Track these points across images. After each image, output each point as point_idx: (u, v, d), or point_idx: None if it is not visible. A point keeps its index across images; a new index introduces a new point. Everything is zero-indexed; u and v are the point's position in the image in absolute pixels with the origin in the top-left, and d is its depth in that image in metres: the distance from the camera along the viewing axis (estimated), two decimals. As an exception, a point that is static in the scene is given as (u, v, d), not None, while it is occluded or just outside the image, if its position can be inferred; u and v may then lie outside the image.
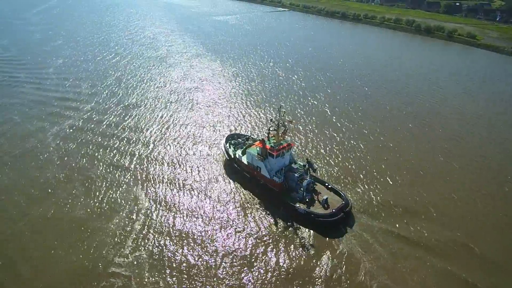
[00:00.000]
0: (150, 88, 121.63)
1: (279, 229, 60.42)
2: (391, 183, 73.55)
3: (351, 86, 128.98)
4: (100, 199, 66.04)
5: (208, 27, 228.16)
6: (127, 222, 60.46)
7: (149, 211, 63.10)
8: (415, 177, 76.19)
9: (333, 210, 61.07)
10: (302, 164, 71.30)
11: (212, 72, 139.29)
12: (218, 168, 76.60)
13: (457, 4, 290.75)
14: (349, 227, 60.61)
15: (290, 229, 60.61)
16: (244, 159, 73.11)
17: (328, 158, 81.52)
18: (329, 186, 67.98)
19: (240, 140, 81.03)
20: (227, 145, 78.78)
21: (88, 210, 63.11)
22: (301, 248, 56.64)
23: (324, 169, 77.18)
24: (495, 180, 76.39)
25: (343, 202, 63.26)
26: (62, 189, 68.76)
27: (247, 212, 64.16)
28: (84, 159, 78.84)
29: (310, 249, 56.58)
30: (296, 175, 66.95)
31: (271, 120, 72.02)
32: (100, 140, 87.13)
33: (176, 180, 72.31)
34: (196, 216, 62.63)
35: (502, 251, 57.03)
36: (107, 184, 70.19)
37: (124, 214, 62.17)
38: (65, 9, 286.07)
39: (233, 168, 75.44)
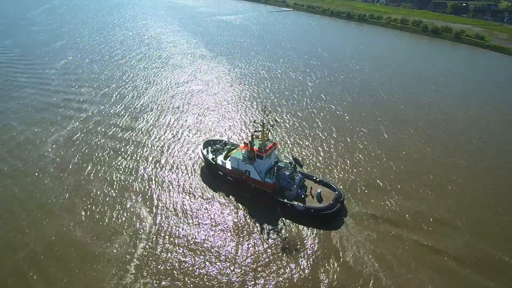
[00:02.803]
0: (154, 91, 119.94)
1: (280, 230, 59.62)
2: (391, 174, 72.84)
3: (354, 84, 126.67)
4: (100, 218, 62.42)
5: (213, 27, 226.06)
6: (129, 245, 56.75)
7: (150, 234, 59.55)
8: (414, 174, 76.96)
9: (331, 202, 60.99)
10: (288, 162, 70.40)
11: (217, 75, 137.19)
12: (207, 177, 74.02)
13: (464, 4, 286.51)
14: (344, 216, 61.70)
15: (290, 227, 60.26)
16: (228, 165, 70.64)
17: (325, 154, 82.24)
18: (318, 180, 67.82)
19: (218, 145, 77.70)
20: (205, 151, 75.84)
21: (88, 232, 59.44)
22: (304, 246, 56.48)
23: (323, 167, 77.64)
24: (500, 178, 76.88)
25: (336, 193, 63.36)
26: (60, 206, 65.39)
27: (244, 220, 62.44)
28: (83, 168, 76.54)
29: (313, 244, 56.67)
30: (286, 173, 65.92)
31: (254, 121, 71.52)
32: (100, 150, 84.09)
33: (176, 192, 69.72)
34: (198, 229, 60.57)
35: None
36: (107, 201, 66.77)
37: (125, 237, 58.39)
38: (69, 9, 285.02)
39: (216, 175, 72.50)
